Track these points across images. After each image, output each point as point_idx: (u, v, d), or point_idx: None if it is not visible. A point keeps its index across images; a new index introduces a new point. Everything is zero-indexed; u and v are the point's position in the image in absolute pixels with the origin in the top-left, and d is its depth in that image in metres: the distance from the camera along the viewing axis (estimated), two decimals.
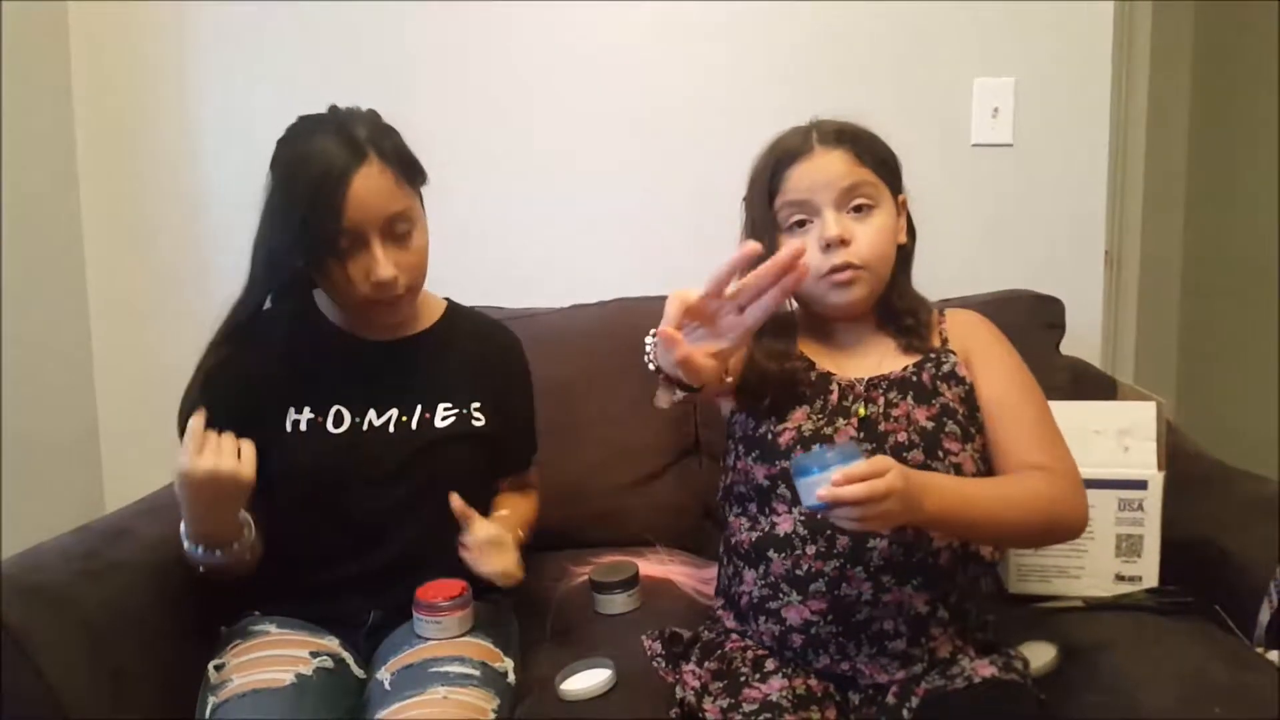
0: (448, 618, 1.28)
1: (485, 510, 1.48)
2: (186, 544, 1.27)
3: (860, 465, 1.02)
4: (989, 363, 1.30)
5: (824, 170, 1.23)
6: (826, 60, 2.04)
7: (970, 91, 2.03)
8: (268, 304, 1.34)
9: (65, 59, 2.06)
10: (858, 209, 1.24)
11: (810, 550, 1.21)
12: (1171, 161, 3.11)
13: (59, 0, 2.05)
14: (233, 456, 1.18)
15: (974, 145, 2.04)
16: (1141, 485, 1.48)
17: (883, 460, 1.04)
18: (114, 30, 2.07)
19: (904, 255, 1.33)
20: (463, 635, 1.30)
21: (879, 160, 1.26)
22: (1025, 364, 1.32)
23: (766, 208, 1.27)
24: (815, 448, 1.14)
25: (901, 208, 1.31)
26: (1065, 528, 1.24)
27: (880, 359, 1.31)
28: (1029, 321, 1.81)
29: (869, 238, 1.24)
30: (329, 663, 1.27)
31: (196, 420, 1.18)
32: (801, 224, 1.26)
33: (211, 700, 1.20)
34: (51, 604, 1.22)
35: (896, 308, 1.32)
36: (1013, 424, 1.26)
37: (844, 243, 1.22)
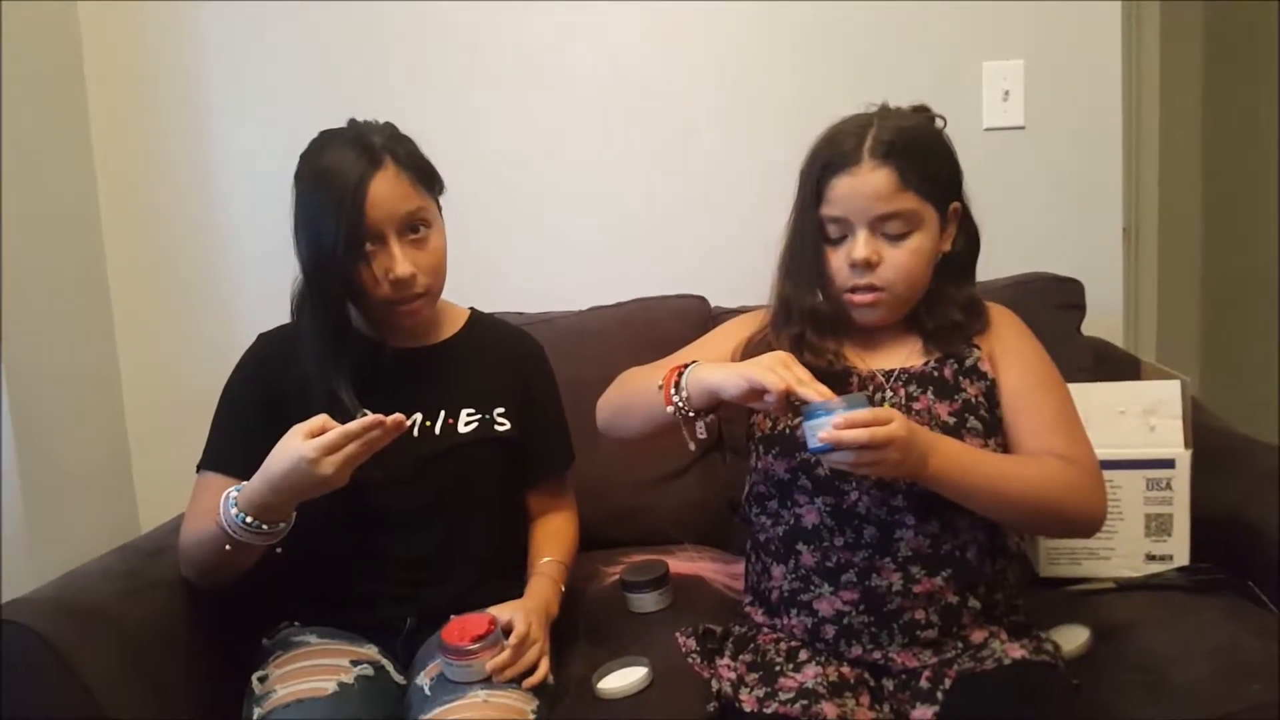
0: (476, 661, 1.22)
1: (514, 517, 1.51)
2: (233, 512, 1.20)
3: (864, 412, 1.06)
4: (1010, 357, 1.31)
5: (865, 190, 1.22)
6: (834, 50, 2.04)
7: (980, 75, 2.03)
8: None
9: (81, 82, 2.07)
10: (892, 234, 1.24)
11: (839, 541, 1.23)
12: (1186, 134, 3.08)
13: (67, 1, 2.04)
14: (350, 471, 1.18)
15: (986, 129, 2.03)
16: (1169, 464, 1.48)
17: (887, 411, 1.09)
18: (126, 36, 2.07)
19: (951, 262, 1.31)
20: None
21: (927, 177, 1.24)
22: (1050, 359, 1.32)
23: (813, 208, 1.27)
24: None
25: (953, 217, 1.30)
26: (1078, 519, 1.24)
27: (906, 355, 1.32)
28: (1049, 304, 1.80)
29: (898, 261, 1.24)
30: (369, 670, 1.29)
31: (359, 424, 1.16)
32: (838, 239, 1.26)
33: (256, 711, 1.22)
34: (96, 623, 1.25)
35: (925, 315, 1.32)
36: (1030, 413, 1.27)
37: (870, 265, 1.23)
